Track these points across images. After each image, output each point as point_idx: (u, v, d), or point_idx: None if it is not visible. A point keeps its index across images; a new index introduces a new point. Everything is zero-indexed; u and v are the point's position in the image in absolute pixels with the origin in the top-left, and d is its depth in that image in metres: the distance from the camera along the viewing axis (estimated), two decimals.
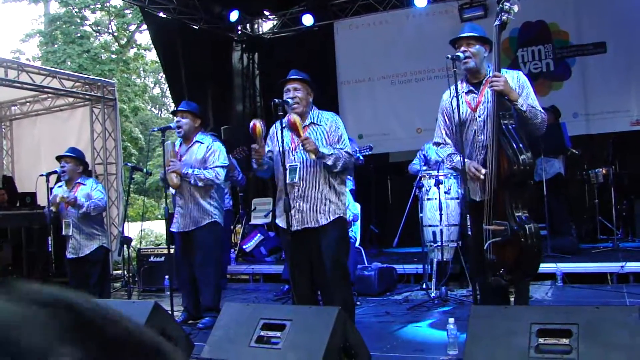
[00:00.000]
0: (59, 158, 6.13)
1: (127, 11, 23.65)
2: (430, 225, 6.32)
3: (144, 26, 23.38)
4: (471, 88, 4.03)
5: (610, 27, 9.05)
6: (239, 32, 11.86)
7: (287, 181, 4.24)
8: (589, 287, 6.19)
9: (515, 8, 3.83)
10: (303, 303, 4.29)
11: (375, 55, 10.60)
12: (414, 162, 7.56)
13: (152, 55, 26.93)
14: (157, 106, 32.75)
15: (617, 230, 8.08)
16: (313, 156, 4.19)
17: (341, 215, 4.43)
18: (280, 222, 4.49)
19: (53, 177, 6.50)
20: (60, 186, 6.15)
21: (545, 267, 6.16)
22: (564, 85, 9.48)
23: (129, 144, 23.11)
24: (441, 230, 6.12)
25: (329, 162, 4.25)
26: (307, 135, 4.21)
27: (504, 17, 3.81)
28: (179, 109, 5.69)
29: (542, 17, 9.49)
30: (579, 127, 9.05)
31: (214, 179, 5.41)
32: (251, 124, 4.27)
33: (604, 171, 8.31)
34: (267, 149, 4.46)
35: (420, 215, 6.45)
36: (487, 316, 3.02)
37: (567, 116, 8.73)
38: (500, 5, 3.83)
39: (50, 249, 6.00)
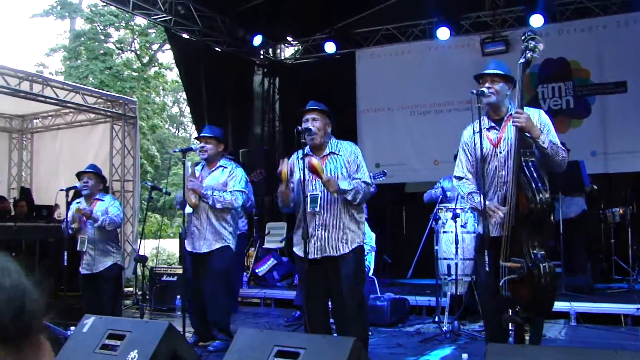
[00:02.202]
0: (80, 174, 6.18)
1: (150, 30, 23.97)
2: (445, 258, 6.30)
3: (167, 46, 23.72)
4: (493, 124, 4.05)
5: (631, 67, 9.06)
6: (261, 57, 11.98)
7: (308, 210, 4.26)
8: (602, 328, 6.12)
9: (541, 46, 3.85)
10: (316, 331, 4.29)
11: (395, 85, 10.66)
12: (430, 191, 7.47)
13: (172, 75, 27.26)
14: (175, 125, 33.01)
15: (632, 271, 8.00)
16: (335, 195, 4.26)
17: (360, 244, 4.46)
18: (298, 250, 4.50)
19: (71, 192, 6.55)
20: (78, 202, 6.19)
21: (559, 305, 6.10)
22: (583, 123, 9.48)
23: (145, 161, 23.25)
24: (456, 263, 6.10)
25: (349, 197, 4.31)
26: (328, 177, 4.24)
27: (529, 55, 3.83)
28: (202, 134, 5.75)
29: (564, 54, 9.53)
30: (597, 165, 9.01)
31: (233, 202, 5.44)
32: (279, 170, 4.36)
33: (621, 211, 8.26)
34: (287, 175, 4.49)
35: (436, 247, 6.43)
36: (504, 355, 2.99)
37: (585, 154, 8.71)
38: (526, 44, 3.85)
39: (65, 264, 6.00)
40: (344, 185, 4.28)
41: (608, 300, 6.71)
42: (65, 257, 5.98)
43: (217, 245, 5.48)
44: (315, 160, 4.24)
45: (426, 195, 7.52)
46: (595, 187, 7.82)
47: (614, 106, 9.26)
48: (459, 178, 4.18)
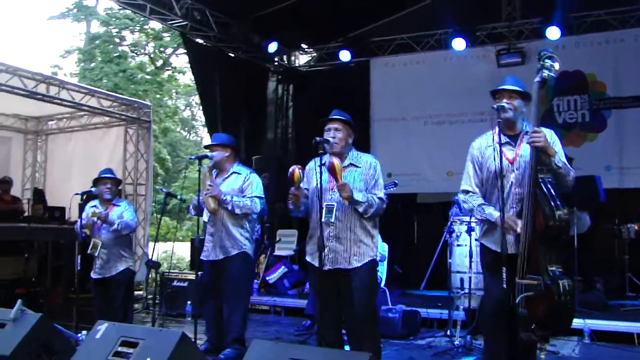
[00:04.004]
0: (99, 179, 6.19)
1: (164, 34, 24.06)
2: (458, 272, 6.26)
3: (180, 50, 23.81)
4: (508, 140, 4.02)
5: None
6: (276, 63, 11.99)
7: (323, 220, 4.23)
8: (617, 347, 6.05)
9: (557, 66, 3.85)
10: (328, 343, 4.27)
11: (410, 94, 10.64)
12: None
13: (185, 79, 27.34)
14: (187, 129, 33.07)
15: None
16: (347, 202, 4.22)
17: (374, 257, 4.43)
18: (311, 259, 4.48)
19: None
20: (94, 205, 6.20)
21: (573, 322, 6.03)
22: (598, 137, 9.42)
23: (156, 164, 23.30)
24: (470, 277, 6.06)
25: (360, 209, 4.30)
26: (344, 181, 4.23)
27: (545, 74, 3.82)
28: (207, 144, 5.77)
29: (580, 67, 9.48)
30: (612, 180, 8.94)
31: (253, 207, 5.43)
32: (290, 170, 4.33)
33: (636, 227, 8.19)
34: (303, 186, 4.47)
35: (449, 260, 6.38)
36: None
37: (600, 169, 8.67)
38: (542, 63, 3.84)
39: (79, 268, 6.01)
40: (358, 196, 4.26)
41: (623, 319, 6.62)
42: (79, 261, 5.99)
43: (235, 252, 5.46)
44: (336, 161, 4.22)
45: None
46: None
47: (630, 120, 9.19)
48: (466, 192, 4.15)
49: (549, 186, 3.72)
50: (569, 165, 3.86)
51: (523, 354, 3.84)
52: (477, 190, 4.10)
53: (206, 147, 5.91)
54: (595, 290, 7.81)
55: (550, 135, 3.90)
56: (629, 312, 7.12)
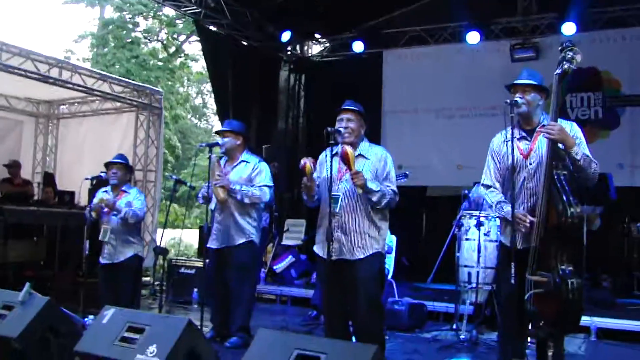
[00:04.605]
0: (109, 164, 6.19)
1: (178, 21, 24.03)
2: (466, 266, 6.26)
3: (193, 37, 23.80)
4: (524, 134, 3.98)
5: None
6: (288, 53, 11.96)
7: (330, 210, 4.22)
8: (624, 345, 6.02)
9: (578, 58, 3.78)
10: (335, 334, 4.27)
11: (422, 87, 10.59)
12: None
13: (197, 66, 27.31)
14: (198, 116, 33.10)
15: None
16: (360, 190, 4.19)
17: (379, 250, 4.41)
18: (319, 249, 4.48)
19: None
20: (105, 190, 6.20)
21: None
22: (611, 134, 9.34)
23: (166, 151, 23.35)
24: (477, 272, 6.04)
25: (374, 198, 4.26)
26: (357, 169, 4.20)
27: (566, 67, 3.75)
28: (219, 130, 5.75)
29: (595, 63, 9.38)
30: (624, 178, 8.87)
31: (262, 196, 5.43)
32: (302, 162, 4.31)
33: None
34: (315, 174, 4.46)
35: (457, 254, 6.37)
36: None
37: (611, 167, 8.59)
38: (563, 54, 3.78)
39: (87, 252, 6.03)
40: (371, 185, 4.24)
41: (631, 317, 6.59)
42: (88, 245, 6.01)
43: (242, 240, 5.46)
44: (349, 149, 4.19)
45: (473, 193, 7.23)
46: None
47: None
48: (487, 186, 4.12)
49: (564, 182, 3.65)
50: (591, 159, 3.76)
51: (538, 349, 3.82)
52: (497, 185, 4.06)
53: (217, 132, 5.88)
54: (602, 288, 7.78)
55: (570, 128, 3.83)
56: (636, 311, 7.08)
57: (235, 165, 5.60)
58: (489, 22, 9.96)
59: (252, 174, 5.52)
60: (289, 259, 9.06)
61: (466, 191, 6.92)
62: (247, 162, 5.61)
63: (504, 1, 9.85)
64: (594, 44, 9.40)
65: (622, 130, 9.26)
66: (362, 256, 4.32)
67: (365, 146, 4.49)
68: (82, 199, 8.79)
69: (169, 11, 22.78)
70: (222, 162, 5.65)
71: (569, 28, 8.97)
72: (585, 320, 6.24)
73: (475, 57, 10.16)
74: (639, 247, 8.18)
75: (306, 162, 4.29)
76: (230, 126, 5.73)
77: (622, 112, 9.33)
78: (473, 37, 9.85)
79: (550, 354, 3.72)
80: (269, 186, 5.51)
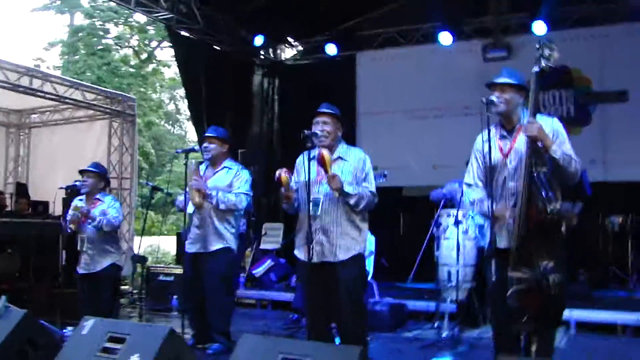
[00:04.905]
0: (81, 172, 6.11)
1: (149, 27, 23.87)
2: (445, 264, 6.27)
3: (165, 43, 23.65)
4: (504, 133, 3.96)
5: (633, 76, 9.01)
6: (262, 57, 11.92)
7: (310, 213, 4.21)
8: (603, 338, 6.12)
9: (556, 55, 3.78)
10: (318, 336, 4.26)
11: (396, 88, 10.61)
12: (439, 190, 7.25)
13: (169, 72, 27.16)
14: (171, 122, 32.87)
15: (631, 279, 7.99)
16: (337, 194, 4.20)
17: (360, 251, 4.43)
18: (299, 253, 4.48)
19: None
20: (81, 199, 6.11)
21: None
22: (583, 131, 9.45)
23: (140, 158, 23.17)
24: (457, 270, 6.08)
25: (352, 201, 4.28)
26: (334, 173, 4.20)
27: (544, 65, 3.76)
28: (207, 134, 5.70)
29: (565, 61, 9.47)
30: (596, 173, 8.96)
31: (237, 203, 5.41)
32: (276, 174, 4.33)
33: (619, 220, 8.25)
34: (293, 179, 4.45)
35: (436, 253, 6.40)
36: None
37: (584, 163, 8.42)
38: (540, 52, 3.76)
39: (64, 263, 5.94)
40: (348, 188, 4.25)
41: (608, 309, 6.68)
42: (64, 256, 5.91)
43: (219, 246, 5.42)
44: (326, 153, 4.20)
45: (434, 193, 7.28)
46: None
47: (614, 115, 9.24)
48: (469, 185, 4.13)
49: (544, 180, 3.64)
50: (572, 157, 3.73)
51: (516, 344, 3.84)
52: (480, 183, 4.05)
53: (204, 137, 5.82)
54: (578, 281, 7.87)
55: (551, 124, 3.80)
56: (613, 303, 7.18)
57: (217, 171, 5.59)
58: (461, 22, 10.03)
59: (233, 179, 5.51)
60: (268, 263, 9.01)
61: (440, 188, 6.97)
62: (229, 168, 5.60)
63: (476, 1, 9.94)
64: (565, 42, 9.48)
65: (594, 127, 9.39)
66: (344, 258, 4.33)
67: (343, 148, 4.50)
68: (56, 208, 8.67)
69: (140, 17, 22.64)
70: (202, 167, 5.62)
71: (539, 27, 9.06)
72: (564, 314, 6.31)
73: (449, 57, 10.21)
74: (613, 241, 8.29)
75: (281, 173, 4.31)
76: (217, 133, 5.70)
77: (593, 110, 9.45)
78: (445, 38, 9.91)
79: (533, 349, 3.73)
80: (246, 194, 5.49)
